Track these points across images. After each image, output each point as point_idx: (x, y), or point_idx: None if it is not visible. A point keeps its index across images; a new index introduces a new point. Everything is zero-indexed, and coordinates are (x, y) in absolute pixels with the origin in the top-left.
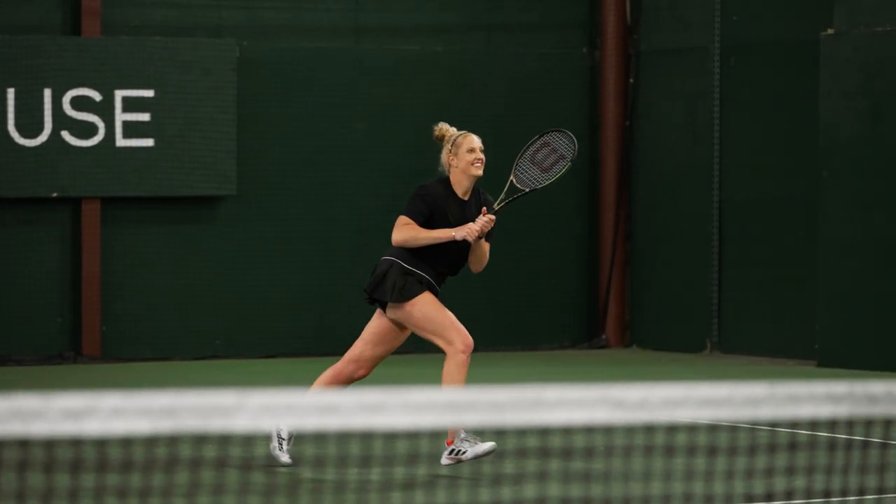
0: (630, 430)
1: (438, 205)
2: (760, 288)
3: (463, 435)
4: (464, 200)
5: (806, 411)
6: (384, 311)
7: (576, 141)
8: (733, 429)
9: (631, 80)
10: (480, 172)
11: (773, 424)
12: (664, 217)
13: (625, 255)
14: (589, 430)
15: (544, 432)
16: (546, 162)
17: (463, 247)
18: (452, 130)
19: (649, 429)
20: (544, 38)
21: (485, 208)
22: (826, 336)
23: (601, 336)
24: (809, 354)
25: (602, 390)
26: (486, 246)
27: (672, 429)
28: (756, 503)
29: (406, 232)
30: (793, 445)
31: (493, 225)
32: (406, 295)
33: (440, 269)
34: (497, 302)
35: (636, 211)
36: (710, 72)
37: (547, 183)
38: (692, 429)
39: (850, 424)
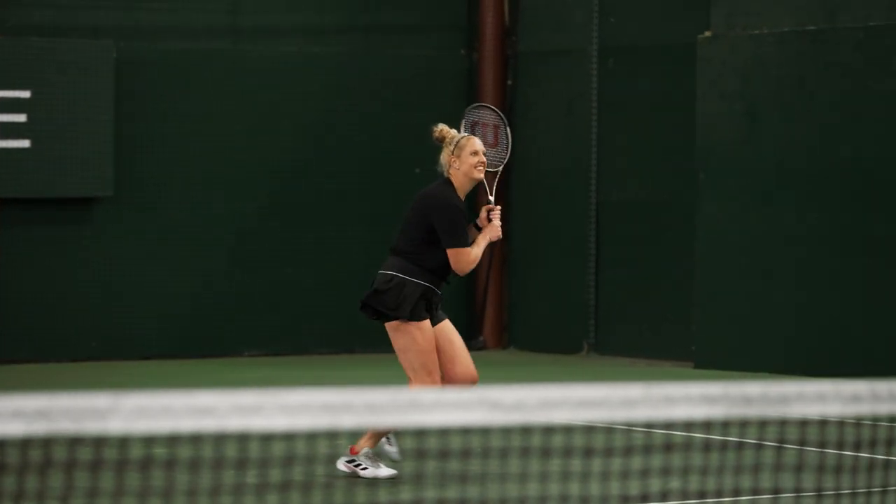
0: (506, 432)
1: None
2: (637, 289)
3: (367, 451)
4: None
5: (681, 412)
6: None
7: (492, 106)
8: (609, 430)
9: (509, 82)
10: (482, 175)
11: (649, 425)
12: (542, 219)
13: (502, 256)
14: (465, 432)
15: (421, 434)
16: (488, 138)
17: None
18: (453, 132)
19: (526, 430)
20: (423, 40)
21: (490, 205)
22: (703, 338)
23: (479, 338)
24: (686, 356)
25: (479, 392)
26: None
27: (548, 430)
28: None
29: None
30: (668, 446)
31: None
32: (408, 312)
33: (445, 274)
34: None
35: (514, 212)
36: (588, 73)
37: (508, 154)
38: (568, 430)
39: (725, 425)
